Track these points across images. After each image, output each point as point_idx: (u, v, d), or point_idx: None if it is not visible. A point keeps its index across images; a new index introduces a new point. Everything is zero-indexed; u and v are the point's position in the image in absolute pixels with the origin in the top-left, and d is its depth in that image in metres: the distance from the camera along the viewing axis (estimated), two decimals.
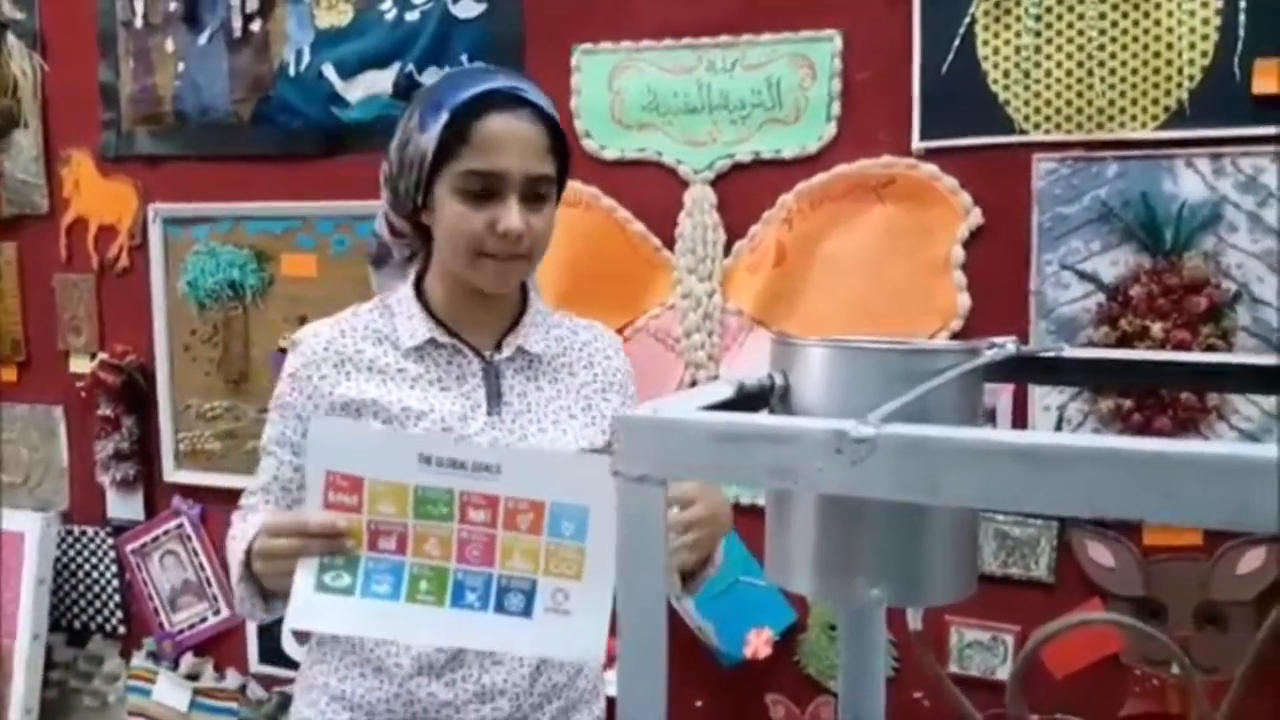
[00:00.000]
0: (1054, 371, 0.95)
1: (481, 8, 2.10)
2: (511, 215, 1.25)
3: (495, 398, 1.34)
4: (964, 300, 1.86)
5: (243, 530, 1.33)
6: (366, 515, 1.17)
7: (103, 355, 2.54)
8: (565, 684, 1.37)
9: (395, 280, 1.41)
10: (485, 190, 1.26)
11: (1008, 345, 0.84)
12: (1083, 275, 1.80)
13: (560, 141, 1.32)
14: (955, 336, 1.86)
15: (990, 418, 1.86)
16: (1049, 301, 1.82)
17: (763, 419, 0.65)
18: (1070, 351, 0.94)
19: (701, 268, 1.99)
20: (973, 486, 0.59)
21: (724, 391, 0.75)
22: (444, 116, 1.26)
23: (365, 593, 1.17)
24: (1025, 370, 0.96)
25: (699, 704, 2.11)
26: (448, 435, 1.29)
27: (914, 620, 0.83)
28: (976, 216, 1.85)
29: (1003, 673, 1.90)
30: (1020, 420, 1.85)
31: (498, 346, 1.36)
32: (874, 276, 1.90)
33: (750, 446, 0.64)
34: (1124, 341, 1.76)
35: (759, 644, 1.98)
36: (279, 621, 1.33)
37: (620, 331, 2.04)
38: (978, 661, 1.92)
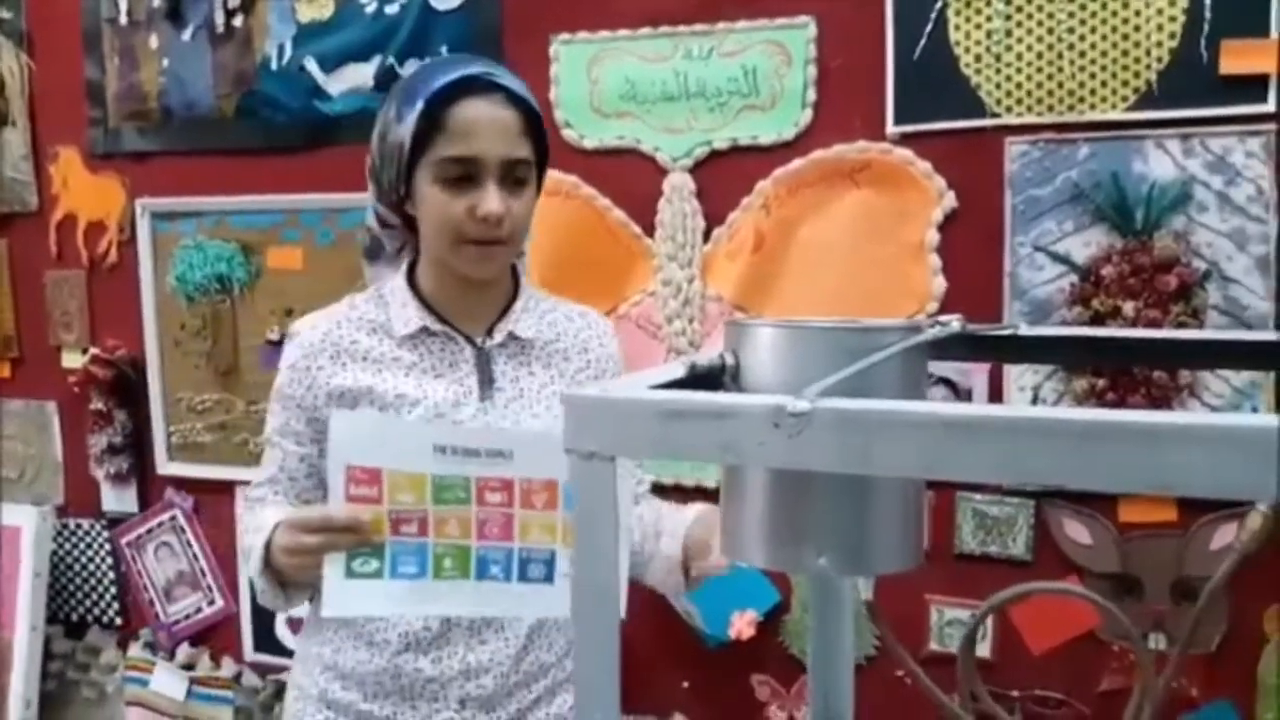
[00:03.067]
0: (1013, 349, 0.98)
1: None
2: (490, 200, 1.27)
3: (487, 383, 1.36)
4: (939, 283, 1.89)
5: (256, 523, 1.35)
6: (387, 505, 1.21)
7: (94, 350, 2.57)
8: (553, 664, 1.40)
9: (388, 272, 1.43)
10: (463, 176, 1.28)
11: (952, 323, 0.87)
12: (1055, 256, 1.82)
13: (537, 125, 1.33)
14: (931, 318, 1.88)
15: (967, 397, 1.89)
16: (1023, 283, 1.85)
17: (705, 396, 0.67)
18: (1026, 329, 0.96)
19: (681, 255, 2.02)
20: (905, 456, 0.62)
21: (676, 371, 0.78)
22: (419, 106, 1.27)
23: (394, 574, 1.22)
24: (984, 348, 0.98)
25: (685, 685, 2.14)
26: (461, 424, 1.32)
27: (865, 590, 0.85)
28: (950, 200, 1.87)
29: (982, 649, 1.93)
30: (996, 399, 1.87)
31: (489, 333, 1.38)
32: (851, 260, 1.92)
33: (694, 423, 0.67)
34: (1097, 321, 1.78)
35: (742, 625, 2.01)
36: (272, 612, 1.34)
37: None
38: (958, 639, 1.94)
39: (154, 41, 2.42)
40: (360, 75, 2.21)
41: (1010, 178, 1.83)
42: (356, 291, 1.45)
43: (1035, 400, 1.84)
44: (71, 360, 2.63)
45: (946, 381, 1.90)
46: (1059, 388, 1.85)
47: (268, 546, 1.29)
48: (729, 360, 0.79)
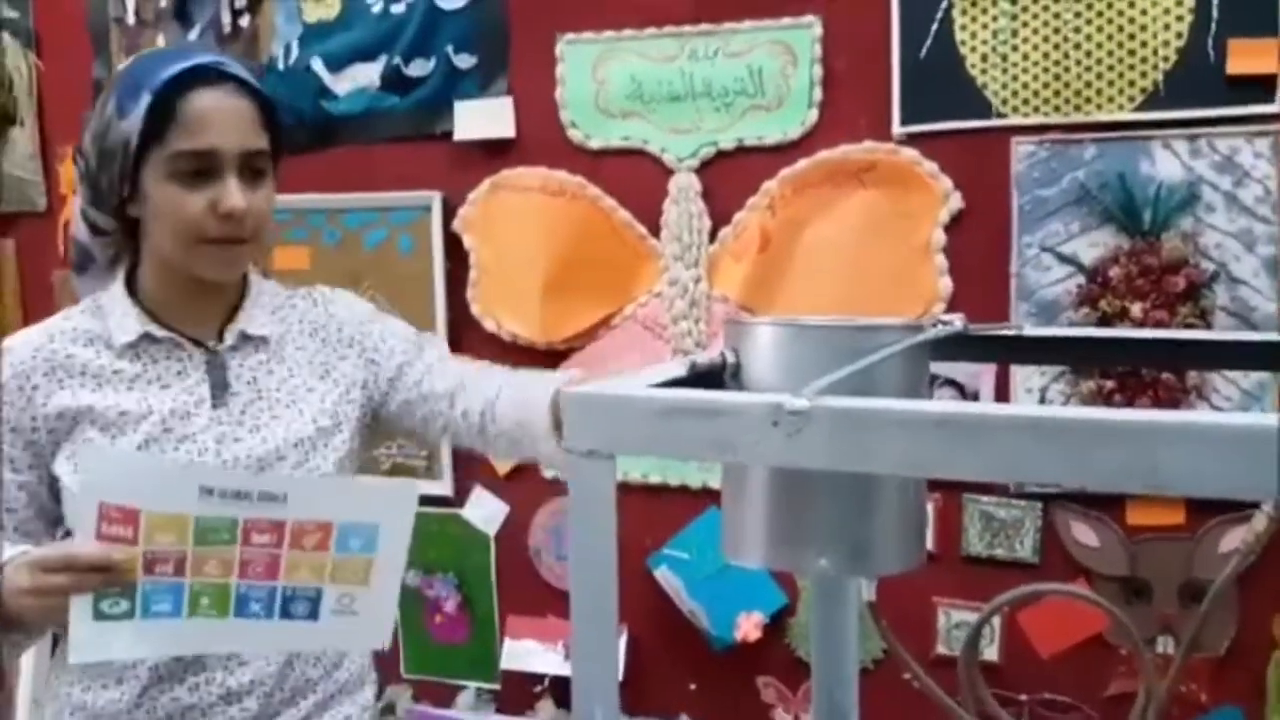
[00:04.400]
0: (1017, 350, 0.97)
1: None
2: (232, 194, 1.18)
3: (220, 389, 1.27)
4: (946, 284, 1.88)
5: None
6: (143, 546, 1.11)
7: None
8: (321, 677, 1.33)
9: (101, 285, 1.31)
10: (199, 170, 1.18)
11: (954, 322, 0.86)
12: (1062, 257, 1.81)
13: (271, 115, 1.25)
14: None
15: (974, 399, 1.88)
16: (1030, 284, 1.84)
17: (704, 394, 0.66)
18: (1030, 330, 0.95)
19: (687, 255, 2.01)
20: (901, 454, 0.61)
21: (677, 370, 0.77)
22: (145, 98, 1.17)
23: (145, 614, 1.13)
24: (988, 349, 0.98)
25: (692, 687, 2.13)
26: (232, 469, 1.24)
27: (867, 591, 0.85)
28: (957, 200, 1.86)
29: (990, 652, 1.93)
30: (1002, 402, 1.86)
31: (220, 336, 1.29)
32: (857, 261, 1.92)
33: (692, 421, 0.66)
34: (1104, 322, 1.77)
35: (749, 627, 2.00)
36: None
37: (608, 320, 2.08)
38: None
39: (161, 41, 2.42)
40: (366, 75, 2.21)
41: (1017, 178, 1.83)
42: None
43: (1042, 402, 1.83)
44: None
45: (953, 383, 1.89)
46: (1066, 390, 1.84)
47: None
48: (729, 359, 0.79)
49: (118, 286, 1.28)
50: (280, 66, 2.29)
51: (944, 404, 0.62)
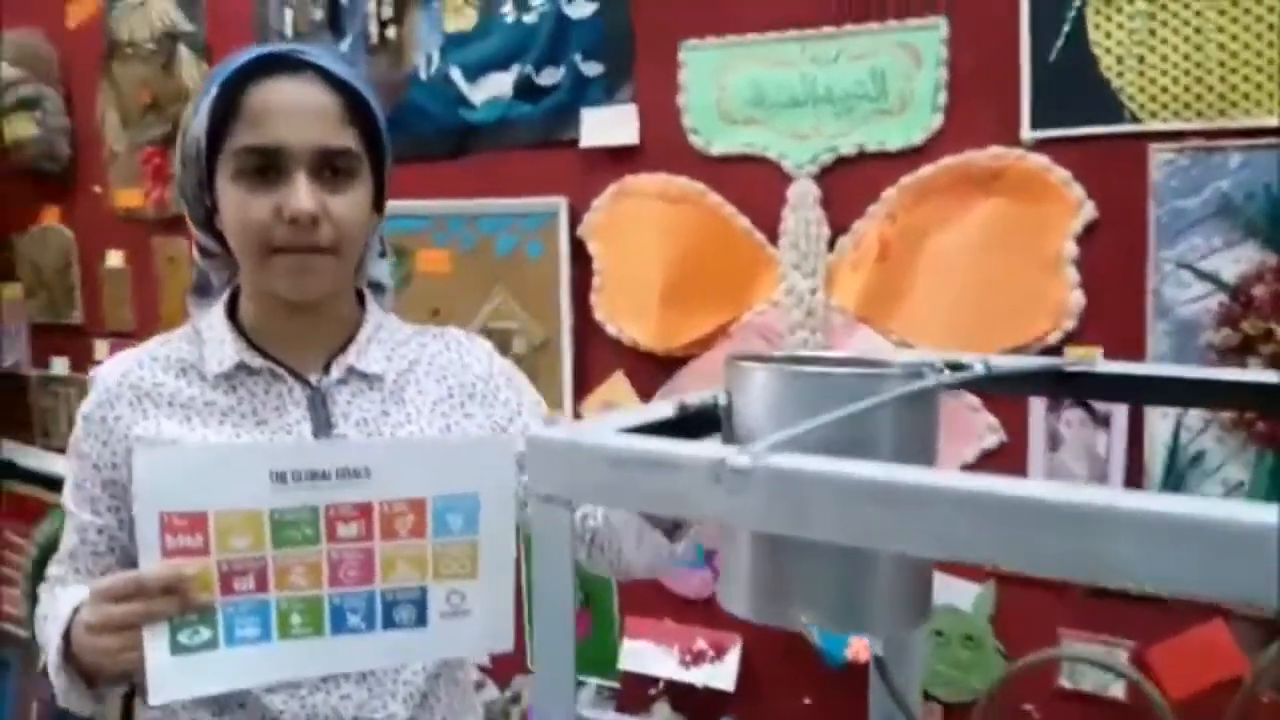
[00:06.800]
0: (1068, 387, 0.91)
1: (593, 7, 2.13)
2: (298, 195, 1.06)
3: (324, 428, 1.14)
4: (1077, 299, 1.77)
5: (54, 609, 1.12)
6: (216, 555, 1.00)
7: None
8: None
9: None
10: (265, 169, 1.07)
11: (975, 366, 0.82)
12: (1201, 274, 1.68)
13: (364, 112, 1.12)
14: (1068, 338, 1.77)
15: (1104, 423, 1.77)
16: (1167, 301, 1.71)
17: (652, 444, 0.65)
18: (1071, 365, 0.89)
19: (805, 264, 1.97)
20: (838, 522, 0.59)
21: (665, 411, 0.76)
22: (213, 92, 1.08)
23: (231, 641, 1.01)
24: (1038, 384, 0.93)
25: (806, 701, 2.09)
26: (302, 441, 1.12)
27: (876, 647, 0.81)
28: (1090, 210, 1.75)
29: (1116, 689, 1.81)
30: (1136, 426, 1.74)
31: (326, 369, 1.18)
32: (981, 273, 1.83)
33: (641, 472, 0.65)
34: (1246, 345, 1.64)
35: (860, 646, 1.95)
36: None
37: (725, 328, 2.06)
38: (1090, 678, 1.83)
39: None
40: (500, 84, 2.25)
41: (1154, 188, 1.70)
42: None
43: (1178, 430, 1.71)
44: None
45: (1085, 405, 1.79)
46: (1206, 414, 1.71)
47: (68, 635, 1.06)
48: (721, 400, 0.77)
49: (218, 311, 1.19)
50: (422, 76, 2.36)
51: (888, 468, 0.59)
